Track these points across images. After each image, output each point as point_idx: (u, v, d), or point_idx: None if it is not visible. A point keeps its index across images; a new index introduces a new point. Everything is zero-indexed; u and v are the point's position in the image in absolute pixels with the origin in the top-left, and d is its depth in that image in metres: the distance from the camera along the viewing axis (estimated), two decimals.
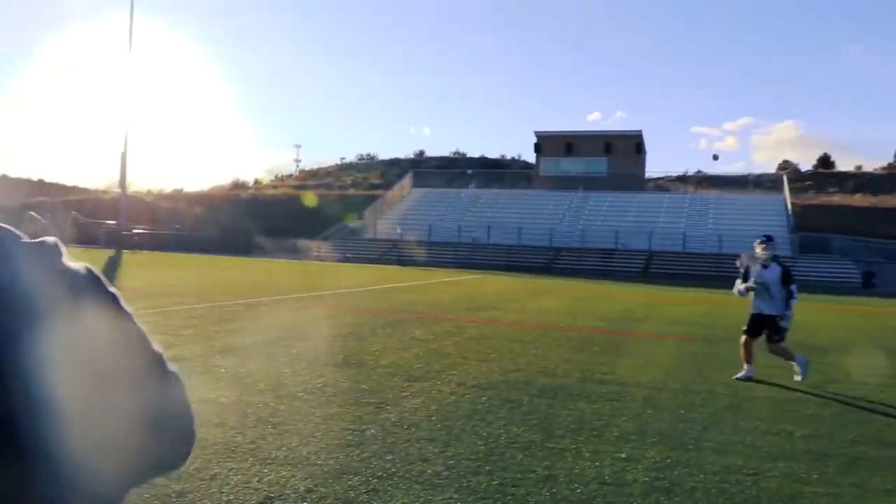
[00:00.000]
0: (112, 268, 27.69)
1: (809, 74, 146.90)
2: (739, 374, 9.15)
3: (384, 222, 50.36)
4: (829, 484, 5.20)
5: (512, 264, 40.24)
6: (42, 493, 0.77)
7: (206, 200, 64.30)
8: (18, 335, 0.76)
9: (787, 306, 9.20)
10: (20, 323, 0.77)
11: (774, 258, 9.51)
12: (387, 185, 62.50)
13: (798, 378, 9.03)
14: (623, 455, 5.68)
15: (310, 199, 55.28)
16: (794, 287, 9.32)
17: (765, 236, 9.75)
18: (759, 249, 9.48)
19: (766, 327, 9.32)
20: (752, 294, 9.43)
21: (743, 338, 9.43)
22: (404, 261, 42.22)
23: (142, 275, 24.17)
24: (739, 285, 9.53)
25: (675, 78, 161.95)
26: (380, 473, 4.96)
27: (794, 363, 9.19)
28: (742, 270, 9.58)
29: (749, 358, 9.27)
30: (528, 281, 30.28)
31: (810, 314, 19.24)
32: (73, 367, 0.78)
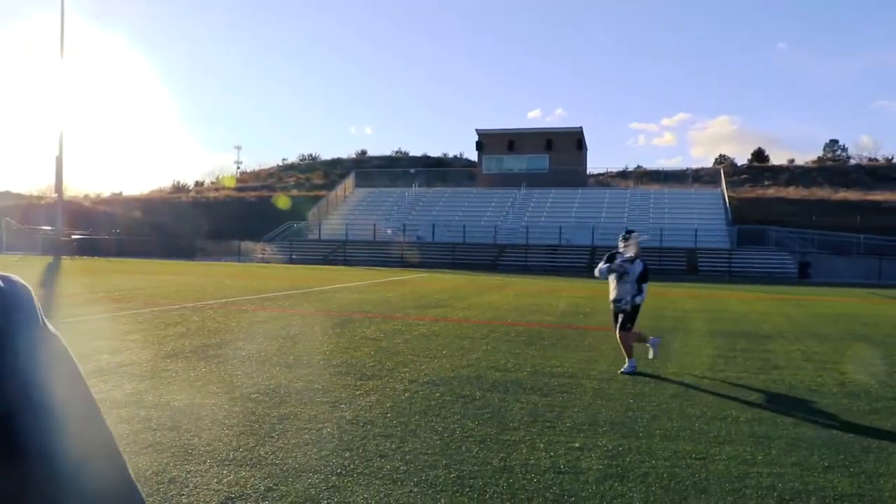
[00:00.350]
0: (51, 274, 27.02)
1: (742, 71, 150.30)
2: (624, 368, 9.03)
3: (328, 223, 50.08)
4: (773, 464, 5.40)
5: (457, 262, 40.42)
6: (40, 493, 0.78)
7: (146, 204, 63.05)
8: None
9: (632, 300, 9.22)
10: None
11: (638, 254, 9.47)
12: (330, 186, 62.15)
13: (651, 356, 9.54)
14: (576, 444, 5.81)
15: (283, 201, 54.49)
16: (645, 286, 9.34)
17: (627, 231, 9.77)
18: (621, 245, 9.50)
19: (619, 314, 9.36)
20: (612, 283, 9.41)
21: (618, 333, 9.35)
22: (350, 261, 42.08)
23: (83, 281, 23.64)
24: (602, 265, 9.52)
25: (613, 74, 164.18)
26: (339, 470, 4.99)
27: (647, 344, 9.61)
28: (606, 256, 9.60)
29: (630, 351, 9.20)
30: (475, 278, 30.46)
31: (752, 304, 19.80)
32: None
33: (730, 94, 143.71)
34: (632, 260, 9.40)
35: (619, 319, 9.34)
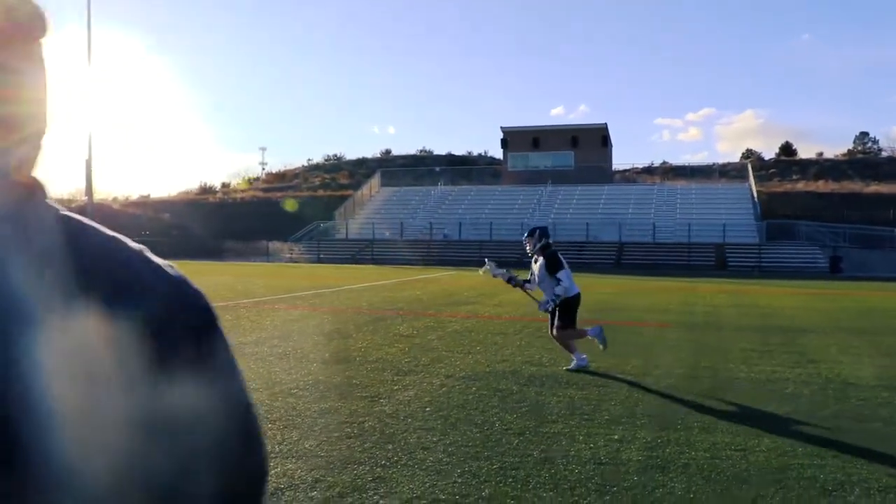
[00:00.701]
0: None
1: (768, 64, 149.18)
2: (570, 366, 8.79)
3: (355, 222, 50.34)
4: (814, 456, 5.41)
5: (485, 260, 40.43)
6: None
7: (174, 206, 63.73)
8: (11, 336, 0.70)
9: (554, 294, 8.87)
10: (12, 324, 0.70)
11: (542, 249, 9.08)
12: (355, 186, 62.40)
13: (601, 348, 9.05)
14: (616, 436, 5.86)
15: (290, 204, 54.89)
16: (560, 274, 8.86)
17: (530, 230, 9.45)
18: (527, 248, 9.29)
19: (553, 314, 9.03)
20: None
21: (554, 333, 9.09)
22: (377, 260, 42.28)
23: None
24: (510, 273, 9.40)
25: (636, 70, 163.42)
26: (383, 462, 5.08)
27: (591, 337, 9.10)
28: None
29: (582, 334, 9.04)
30: None
31: (784, 299, 19.67)
32: (69, 368, 0.72)
33: (755, 88, 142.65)
34: (535, 259, 9.14)
35: (553, 320, 8.99)
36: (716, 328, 12.93)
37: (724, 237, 40.92)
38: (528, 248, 9.26)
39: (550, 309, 8.98)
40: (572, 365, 8.78)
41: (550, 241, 9.26)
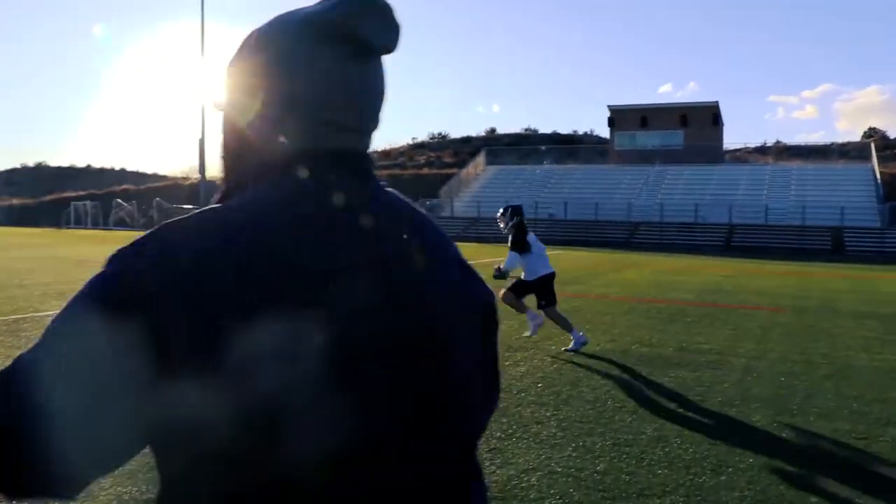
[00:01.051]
0: None
1: (892, 36, 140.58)
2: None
3: (460, 200, 50.66)
4: None
5: (591, 240, 40.08)
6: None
7: None
8: None
9: (499, 268, 8.84)
10: None
11: (515, 227, 8.84)
12: (460, 164, 62.67)
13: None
14: (730, 418, 5.83)
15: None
16: (512, 252, 8.75)
17: (503, 207, 9.18)
18: (500, 223, 9.09)
19: (528, 292, 8.86)
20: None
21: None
22: (482, 238, 42.49)
23: None
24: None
25: (748, 45, 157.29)
26: (498, 434, 5.24)
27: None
28: None
29: (521, 308, 8.92)
30: (610, 255, 30.20)
31: None
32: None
33: (880, 62, 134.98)
34: (508, 237, 8.94)
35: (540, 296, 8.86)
36: (832, 314, 12.50)
37: (841, 220, 39.17)
38: (501, 225, 9.15)
39: (501, 276, 8.88)
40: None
41: (524, 219, 9.09)
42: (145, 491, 4.09)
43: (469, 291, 1.04)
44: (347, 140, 0.97)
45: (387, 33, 0.96)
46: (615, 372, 7.47)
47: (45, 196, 72.95)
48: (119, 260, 0.84)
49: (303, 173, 0.92)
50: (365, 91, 0.97)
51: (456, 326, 0.97)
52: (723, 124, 56.52)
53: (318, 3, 0.97)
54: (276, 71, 0.95)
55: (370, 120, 1.00)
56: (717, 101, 54.91)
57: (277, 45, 0.95)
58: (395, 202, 1.01)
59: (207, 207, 0.90)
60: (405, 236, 0.96)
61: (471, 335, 1.01)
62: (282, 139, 0.94)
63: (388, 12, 0.96)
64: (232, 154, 1.01)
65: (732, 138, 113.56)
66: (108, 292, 0.82)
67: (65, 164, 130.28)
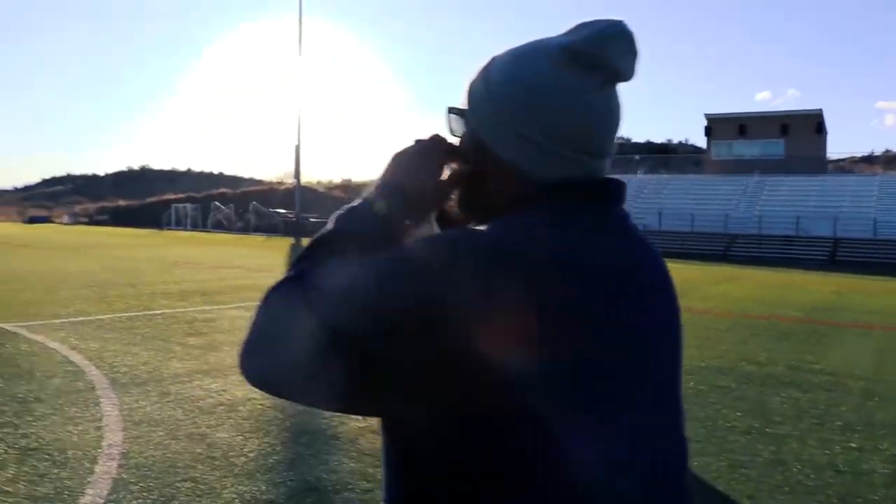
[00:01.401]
0: (296, 253, 29.29)
1: None
2: None
3: None
4: None
5: (686, 252, 39.08)
6: None
7: None
8: None
9: None
10: None
11: None
12: None
13: None
14: (853, 445, 5.50)
15: None
16: None
17: None
18: None
19: None
20: None
21: None
22: None
23: None
24: None
25: (853, 48, 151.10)
26: None
27: None
28: None
29: None
30: (706, 268, 29.34)
31: None
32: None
33: None
34: None
35: None
36: None
37: None
38: None
39: None
40: None
41: None
42: (265, 491, 4.13)
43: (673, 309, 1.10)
44: (598, 167, 1.00)
45: (633, 62, 1.00)
46: (724, 390, 7.17)
47: (148, 198, 75.93)
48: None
49: (565, 201, 0.96)
50: (615, 118, 1.01)
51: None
52: (826, 133, 54.40)
53: (571, 32, 1.00)
54: (536, 101, 0.96)
55: (613, 145, 1.03)
56: (820, 109, 52.88)
57: (537, 74, 0.97)
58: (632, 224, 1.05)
59: (470, 228, 0.94)
60: (653, 262, 1.04)
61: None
62: (543, 168, 0.97)
63: (633, 41, 1.00)
64: (480, 181, 1.03)
65: (836, 147, 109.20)
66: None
67: (167, 167, 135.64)
